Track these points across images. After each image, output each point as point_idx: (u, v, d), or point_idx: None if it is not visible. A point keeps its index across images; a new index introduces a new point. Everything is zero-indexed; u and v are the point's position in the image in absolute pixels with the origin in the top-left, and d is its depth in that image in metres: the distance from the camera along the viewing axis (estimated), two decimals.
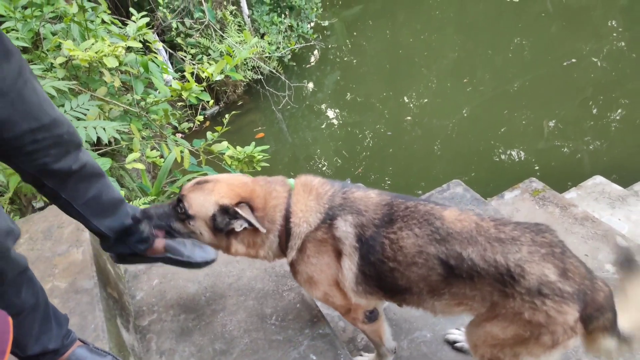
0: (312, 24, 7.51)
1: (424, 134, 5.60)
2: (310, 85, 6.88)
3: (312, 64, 7.43)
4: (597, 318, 1.28)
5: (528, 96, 5.72)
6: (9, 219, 1.28)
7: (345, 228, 1.43)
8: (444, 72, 6.71)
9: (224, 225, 1.46)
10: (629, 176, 3.46)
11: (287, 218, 1.48)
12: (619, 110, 5.26)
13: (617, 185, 3.26)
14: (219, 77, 3.18)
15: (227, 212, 1.44)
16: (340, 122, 6.36)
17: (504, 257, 1.28)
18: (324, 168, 5.48)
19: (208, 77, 3.36)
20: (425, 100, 6.25)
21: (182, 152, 3.43)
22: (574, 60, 5.98)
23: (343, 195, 1.49)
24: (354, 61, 7.54)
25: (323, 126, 6.30)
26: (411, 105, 6.21)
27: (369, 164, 5.28)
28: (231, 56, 3.42)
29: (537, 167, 4.74)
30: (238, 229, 1.45)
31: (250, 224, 1.43)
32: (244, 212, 1.42)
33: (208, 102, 3.63)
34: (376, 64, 7.30)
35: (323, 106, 6.62)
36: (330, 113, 6.54)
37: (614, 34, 6.69)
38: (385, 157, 5.40)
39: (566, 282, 1.25)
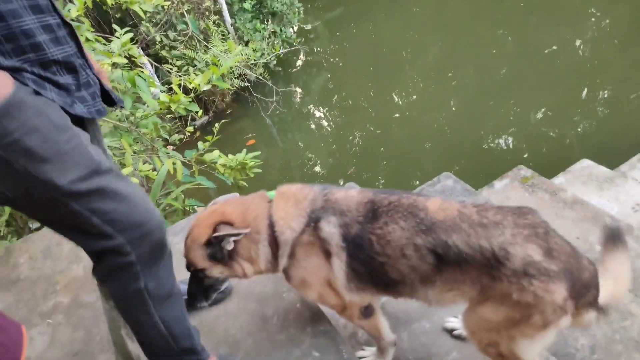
0: (296, 28, 7.57)
1: (413, 130, 5.66)
2: (298, 89, 6.93)
3: (298, 67, 7.49)
4: (583, 295, 1.33)
5: (513, 86, 5.80)
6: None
7: (329, 229, 1.47)
8: (428, 68, 6.78)
9: (222, 254, 1.53)
10: (616, 158, 3.51)
11: (272, 227, 1.53)
12: (603, 94, 5.35)
13: (604, 167, 3.31)
14: (206, 87, 3.22)
15: (212, 243, 1.52)
16: (330, 123, 6.41)
17: (488, 242, 1.33)
18: (316, 170, 5.53)
19: (195, 88, 3.39)
20: (412, 96, 6.32)
21: (174, 164, 3.46)
22: (554, 47, 6.07)
23: (324, 198, 1.54)
24: (339, 62, 7.60)
25: (313, 128, 6.35)
26: (398, 102, 6.28)
27: (361, 163, 5.33)
28: (217, 66, 3.46)
29: (526, 155, 4.80)
30: (230, 246, 1.51)
31: (233, 235, 1.50)
32: (222, 230, 1.50)
33: (197, 112, 3.65)
34: (361, 63, 7.37)
35: (311, 109, 6.67)
36: (319, 115, 6.59)
37: (593, 19, 6.79)
38: (376, 155, 5.45)
39: (551, 261, 1.29)
